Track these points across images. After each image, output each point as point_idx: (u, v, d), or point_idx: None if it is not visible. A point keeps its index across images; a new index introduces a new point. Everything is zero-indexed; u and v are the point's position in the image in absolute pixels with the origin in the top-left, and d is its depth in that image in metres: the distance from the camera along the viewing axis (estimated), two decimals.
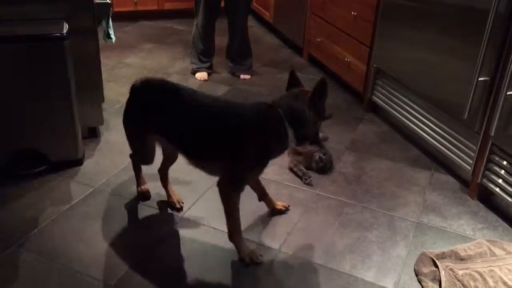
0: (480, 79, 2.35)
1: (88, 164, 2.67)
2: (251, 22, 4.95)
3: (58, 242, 2.13)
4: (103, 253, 2.08)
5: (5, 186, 2.45)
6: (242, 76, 3.87)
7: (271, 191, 2.41)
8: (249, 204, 2.36)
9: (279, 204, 2.38)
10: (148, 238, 2.18)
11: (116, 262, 2.04)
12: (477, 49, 2.31)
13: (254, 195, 2.33)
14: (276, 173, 2.67)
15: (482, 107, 2.39)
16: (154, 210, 2.35)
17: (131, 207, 2.37)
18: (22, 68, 2.37)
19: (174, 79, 3.77)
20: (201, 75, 3.82)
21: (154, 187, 2.43)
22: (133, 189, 2.48)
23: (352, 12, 3.37)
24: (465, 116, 2.44)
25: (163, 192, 2.41)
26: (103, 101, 3.01)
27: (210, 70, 3.89)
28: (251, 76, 3.90)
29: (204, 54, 3.83)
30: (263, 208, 2.37)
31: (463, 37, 2.49)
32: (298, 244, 2.19)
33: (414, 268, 2.08)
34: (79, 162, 2.65)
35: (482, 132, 2.43)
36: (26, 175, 2.52)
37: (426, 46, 2.76)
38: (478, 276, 2.03)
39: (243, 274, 2.01)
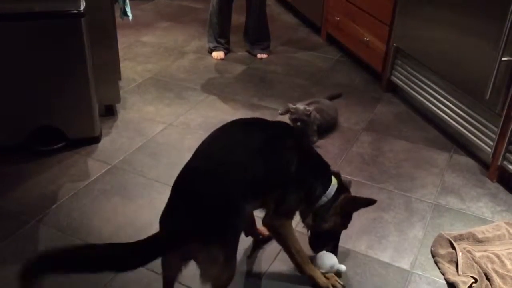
0: (503, 59, 2.29)
1: (105, 142, 2.69)
2: (269, 0, 4.88)
3: (76, 218, 2.16)
4: (120, 229, 2.11)
5: (24, 162, 2.48)
6: (259, 55, 3.83)
7: None
8: None
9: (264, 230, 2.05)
10: None
11: (133, 239, 2.03)
12: (500, 28, 2.26)
13: None
14: None
15: (505, 88, 2.34)
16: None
17: (148, 185, 2.38)
18: (39, 45, 2.37)
19: (190, 58, 3.77)
20: (218, 54, 3.79)
21: None
22: (150, 166, 2.49)
23: None
24: (487, 97, 2.39)
25: None
26: (120, 79, 3.01)
27: (226, 49, 3.86)
28: (268, 55, 3.86)
29: (221, 33, 3.79)
30: None
31: (486, 16, 2.42)
32: None
33: (431, 250, 2.07)
34: (96, 140, 2.67)
35: (504, 113, 2.38)
36: (45, 152, 2.55)
37: (447, 25, 2.70)
38: (495, 259, 2.01)
39: (261, 250, 2.02)
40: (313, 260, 1.90)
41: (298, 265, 1.83)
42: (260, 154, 1.64)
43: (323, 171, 1.84)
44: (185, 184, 1.54)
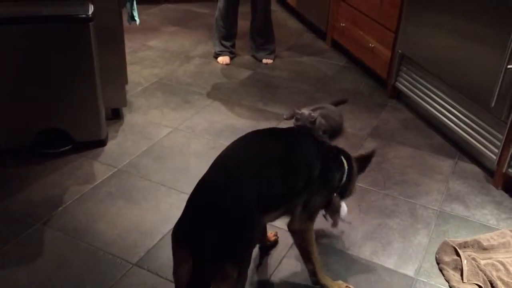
0: (509, 66, 2.29)
1: (112, 145, 2.70)
2: (275, 6, 4.90)
3: (82, 221, 2.16)
4: (126, 232, 2.11)
5: (30, 165, 2.49)
6: (264, 61, 3.85)
7: None
8: None
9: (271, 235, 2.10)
10: (170, 219, 2.20)
11: (138, 242, 2.07)
12: (506, 36, 2.26)
13: None
14: None
15: (510, 95, 2.34)
16: (176, 193, 2.37)
17: (153, 189, 2.39)
18: (47, 49, 2.39)
19: (196, 62, 3.79)
20: (223, 59, 3.81)
21: None
22: (155, 170, 2.50)
23: None
24: (492, 104, 2.39)
25: None
26: (126, 83, 3.03)
27: (232, 54, 3.87)
28: (273, 60, 3.87)
29: (227, 36, 3.81)
30: None
31: (492, 23, 2.42)
32: (318, 229, 2.19)
33: (436, 257, 2.07)
34: (102, 143, 2.68)
35: (509, 121, 2.37)
36: (51, 154, 2.56)
37: (453, 32, 2.70)
38: (500, 266, 2.00)
39: (263, 255, 2.03)
40: None
41: (314, 273, 1.83)
42: (281, 164, 1.63)
43: (339, 161, 1.86)
44: (201, 198, 1.52)
